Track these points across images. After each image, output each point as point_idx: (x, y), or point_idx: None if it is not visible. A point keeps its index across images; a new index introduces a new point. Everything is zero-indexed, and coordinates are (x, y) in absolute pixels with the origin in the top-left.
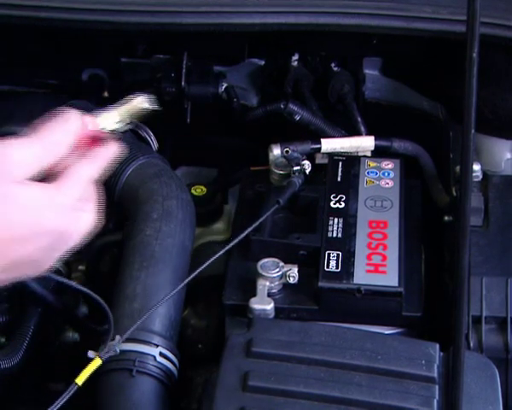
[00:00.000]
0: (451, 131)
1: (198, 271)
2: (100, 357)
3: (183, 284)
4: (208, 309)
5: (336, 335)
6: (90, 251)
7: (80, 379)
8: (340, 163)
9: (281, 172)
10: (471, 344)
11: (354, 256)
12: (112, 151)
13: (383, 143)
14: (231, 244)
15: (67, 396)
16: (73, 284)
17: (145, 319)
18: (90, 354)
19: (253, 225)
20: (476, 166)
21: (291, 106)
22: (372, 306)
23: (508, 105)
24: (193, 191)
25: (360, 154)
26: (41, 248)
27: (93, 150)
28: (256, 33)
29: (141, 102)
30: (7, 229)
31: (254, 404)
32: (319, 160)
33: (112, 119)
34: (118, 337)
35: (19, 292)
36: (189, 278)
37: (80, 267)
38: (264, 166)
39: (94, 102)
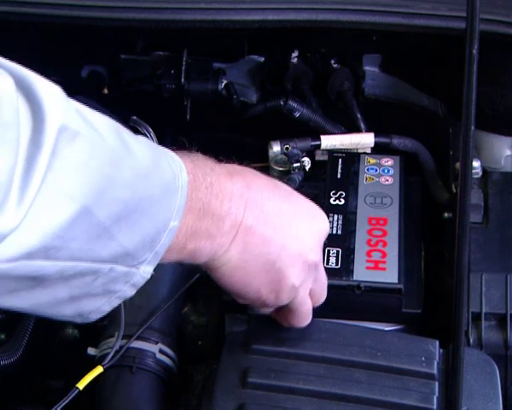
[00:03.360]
0: (451, 128)
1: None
2: (102, 365)
3: (184, 288)
4: (208, 306)
5: (336, 331)
6: None
7: (81, 384)
8: (340, 160)
9: (280, 168)
10: (471, 341)
11: (354, 253)
12: None
13: (383, 139)
14: None
15: (68, 400)
16: None
17: (147, 324)
18: (90, 350)
19: None
20: (476, 163)
21: (291, 103)
22: (372, 302)
23: (507, 102)
24: None
25: (360, 150)
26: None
27: None
28: (256, 30)
29: None
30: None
31: (254, 400)
32: (319, 156)
33: None
34: (117, 335)
35: None
36: (192, 281)
37: None
38: (263, 162)
39: (94, 98)
